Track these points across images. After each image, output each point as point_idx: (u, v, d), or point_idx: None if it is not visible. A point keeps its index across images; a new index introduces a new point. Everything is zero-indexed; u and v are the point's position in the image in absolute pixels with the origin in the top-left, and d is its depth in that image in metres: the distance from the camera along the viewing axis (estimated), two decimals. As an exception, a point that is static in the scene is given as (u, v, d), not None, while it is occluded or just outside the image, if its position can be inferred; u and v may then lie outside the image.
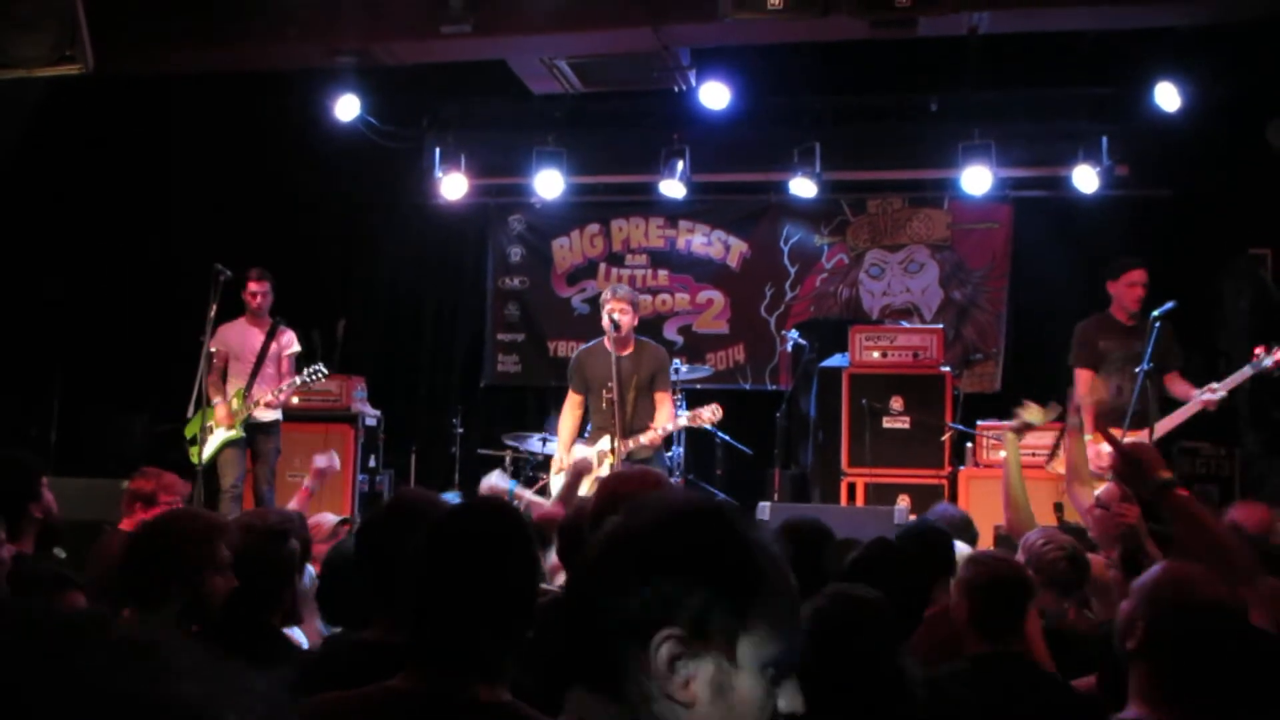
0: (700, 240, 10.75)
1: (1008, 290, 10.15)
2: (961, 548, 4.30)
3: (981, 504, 7.21)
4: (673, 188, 9.80)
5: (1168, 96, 8.49)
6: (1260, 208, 8.94)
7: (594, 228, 10.93)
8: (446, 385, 10.92)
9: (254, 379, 7.79)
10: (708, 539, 1.33)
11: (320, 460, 5.73)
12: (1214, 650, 2.45)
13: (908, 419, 8.25)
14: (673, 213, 10.68)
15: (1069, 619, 4.02)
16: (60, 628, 0.72)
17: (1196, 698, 2.44)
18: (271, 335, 7.93)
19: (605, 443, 7.15)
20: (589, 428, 7.44)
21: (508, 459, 8.91)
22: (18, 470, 4.09)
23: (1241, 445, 7.26)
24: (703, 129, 9.64)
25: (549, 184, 9.96)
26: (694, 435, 8.89)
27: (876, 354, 8.44)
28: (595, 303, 8.11)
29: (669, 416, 7.24)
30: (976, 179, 9.26)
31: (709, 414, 7.28)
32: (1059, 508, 6.18)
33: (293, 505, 5.17)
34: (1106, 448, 6.62)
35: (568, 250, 10.97)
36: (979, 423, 8.28)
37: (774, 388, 10.24)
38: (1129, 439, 6.67)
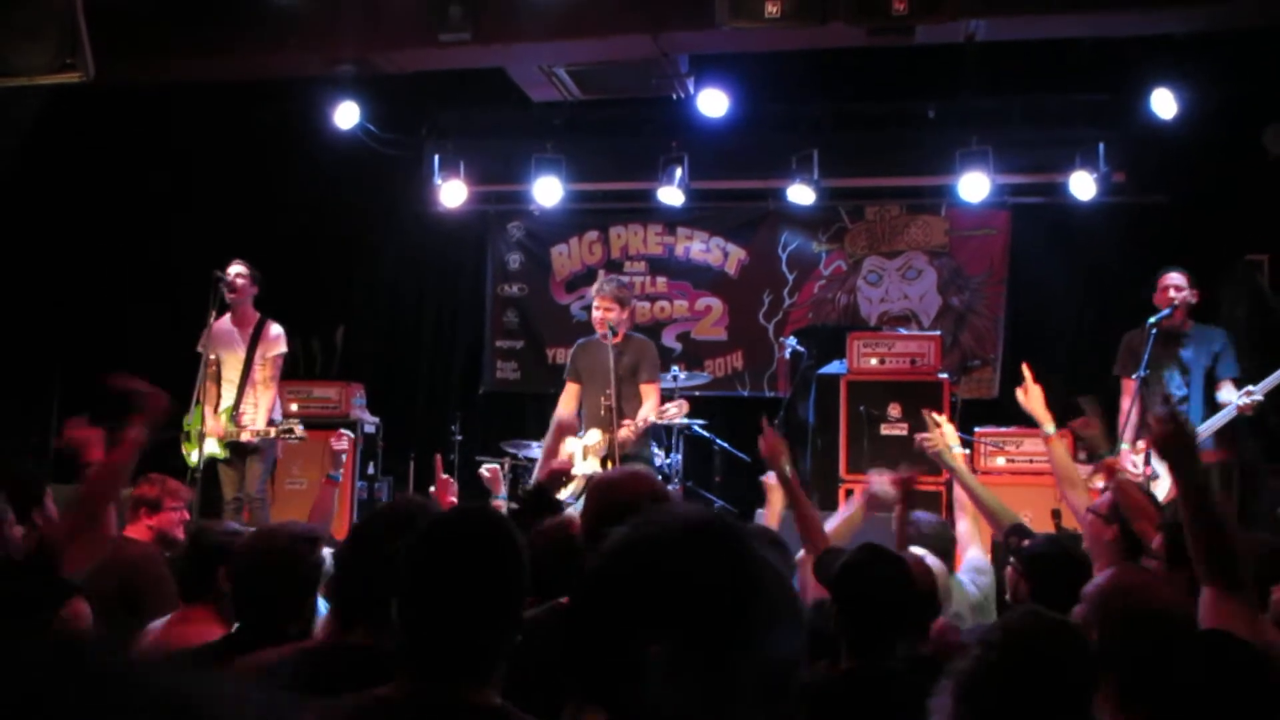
0: (699, 247, 10.77)
1: (1005, 296, 10.17)
2: (932, 561, 4.23)
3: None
4: (671, 195, 9.81)
5: (1165, 103, 8.51)
6: (1257, 214, 8.96)
7: (593, 235, 10.95)
8: (445, 392, 10.94)
9: (242, 392, 7.64)
10: (709, 554, 1.34)
11: (334, 443, 5.57)
12: (1163, 657, 2.48)
13: (906, 425, 8.25)
14: (671, 220, 10.70)
15: None
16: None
17: (1151, 705, 2.47)
18: (257, 336, 7.74)
19: (592, 436, 7.25)
20: (581, 420, 7.49)
21: (506, 465, 8.92)
22: (22, 478, 4.11)
23: (1240, 451, 7.25)
24: (701, 136, 9.66)
25: (548, 191, 9.98)
26: (692, 442, 8.91)
27: (874, 361, 8.45)
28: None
29: (651, 409, 7.30)
30: (974, 186, 9.28)
31: (675, 409, 7.35)
32: (1056, 514, 6.19)
33: (324, 505, 4.98)
34: (1137, 458, 6.63)
35: (566, 257, 10.98)
36: (977, 429, 8.29)
37: (772, 394, 10.26)
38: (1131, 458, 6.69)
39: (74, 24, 6.63)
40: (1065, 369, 9.90)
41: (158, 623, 3.80)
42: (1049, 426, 5.10)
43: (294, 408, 9.00)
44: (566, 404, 7.49)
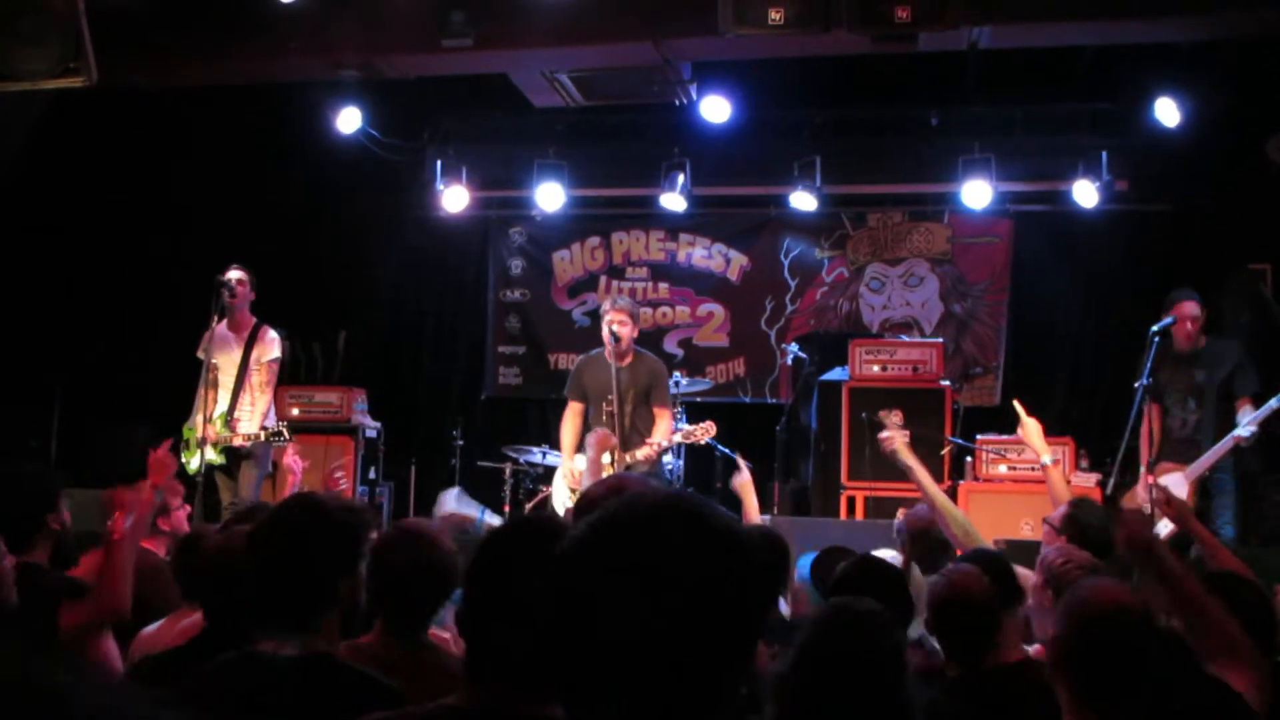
0: (700, 253, 10.77)
1: (1007, 304, 10.17)
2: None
3: (981, 518, 7.17)
4: (673, 201, 9.81)
5: (1167, 112, 8.51)
6: (1260, 223, 8.95)
7: (594, 240, 10.95)
8: (447, 397, 10.93)
9: (236, 398, 7.61)
10: (673, 535, 1.33)
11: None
12: (1115, 657, 2.51)
13: (907, 433, 8.23)
14: (673, 226, 10.70)
15: None
16: None
17: (1105, 703, 2.50)
18: (252, 341, 7.64)
19: (605, 456, 7.17)
20: (589, 440, 7.45)
21: (508, 471, 8.92)
22: (38, 481, 4.12)
23: (1241, 461, 7.23)
24: (703, 142, 9.66)
25: (550, 197, 9.98)
26: (693, 448, 8.90)
27: (876, 368, 8.45)
28: (596, 315, 8.13)
29: (666, 432, 7.24)
30: (976, 193, 9.28)
31: (701, 431, 7.32)
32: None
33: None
34: (1166, 479, 6.62)
35: (568, 263, 10.98)
36: (979, 436, 8.29)
37: (774, 401, 10.25)
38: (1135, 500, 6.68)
39: (77, 29, 6.62)
40: (1067, 377, 9.92)
41: (151, 627, 3.81)
42: (1046, 456, 5.22)
43: (295, 413, 9.01)
44: (572, 422, 7.43)
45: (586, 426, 7.48)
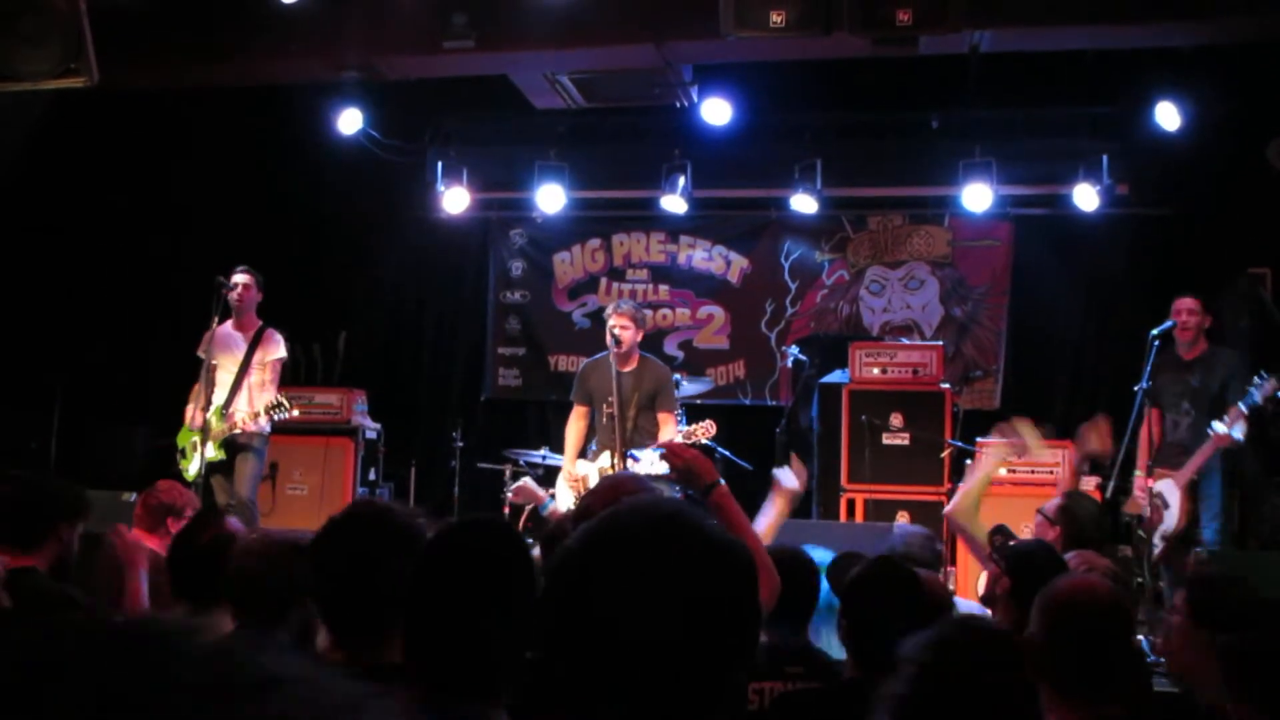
0: (701, 255, 10.77)
1: (1008, 307, 10.17)
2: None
3: (981, 519, 7.19)
4: (674, 203, 9.81)
5: (1168, 116, 8.51)
6: (1260, 227, 8.95)
7: (595, 242, 10.95)
8: (447, 398, 10.93)
9: (234, 393, 7.60)
10: (669, 547, 1.35)
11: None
12: (1093, 647, 2.54)
13: (907, 435, 8.25)
14: (674, 228, 10.70)
15: None
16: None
17: (1089, 699, 2.53)
18: (256, 341, 7.68)
19: (606, 459, 7.18)
20: (593, 444, 7.46)
21: (508, 473, 8.91)
22: (68, 490, 4.13)
23: (1236, 465, 7.23)
24: (704, 145, 9.66)
25: (550, 198, 9.98)
26: (693, 447, 8.88)
27: (876, 370, 8.45)
28: (596, 317, 8.15)
29: (671, 436, 7.25)
30: (977, 196, 9.28)
31: (701, 430, 7.32)
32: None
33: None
34: (1159, 485, 6.61)
35: (569, 265, 10.98)
36: (979, 439, 8.26)
37: (774, 403, 10.25)
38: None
39: (78, 29, 6.63)
40: (1067, 380, 9.93)
41: None
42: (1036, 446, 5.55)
43: (295, 414, 8.99)
44: (576, 425, 7.45)
45: (592, 430, 7.51)
